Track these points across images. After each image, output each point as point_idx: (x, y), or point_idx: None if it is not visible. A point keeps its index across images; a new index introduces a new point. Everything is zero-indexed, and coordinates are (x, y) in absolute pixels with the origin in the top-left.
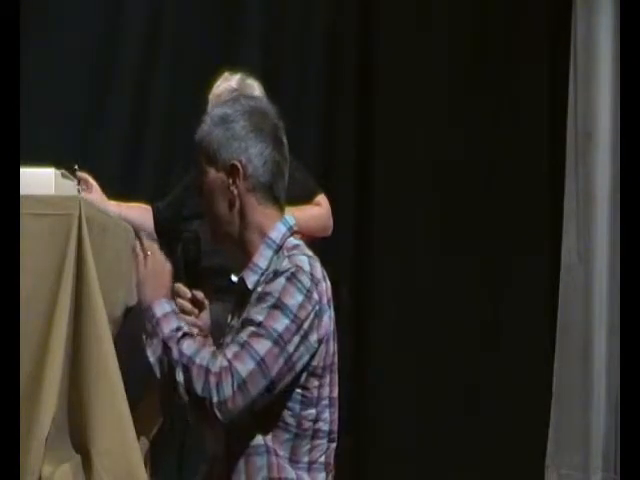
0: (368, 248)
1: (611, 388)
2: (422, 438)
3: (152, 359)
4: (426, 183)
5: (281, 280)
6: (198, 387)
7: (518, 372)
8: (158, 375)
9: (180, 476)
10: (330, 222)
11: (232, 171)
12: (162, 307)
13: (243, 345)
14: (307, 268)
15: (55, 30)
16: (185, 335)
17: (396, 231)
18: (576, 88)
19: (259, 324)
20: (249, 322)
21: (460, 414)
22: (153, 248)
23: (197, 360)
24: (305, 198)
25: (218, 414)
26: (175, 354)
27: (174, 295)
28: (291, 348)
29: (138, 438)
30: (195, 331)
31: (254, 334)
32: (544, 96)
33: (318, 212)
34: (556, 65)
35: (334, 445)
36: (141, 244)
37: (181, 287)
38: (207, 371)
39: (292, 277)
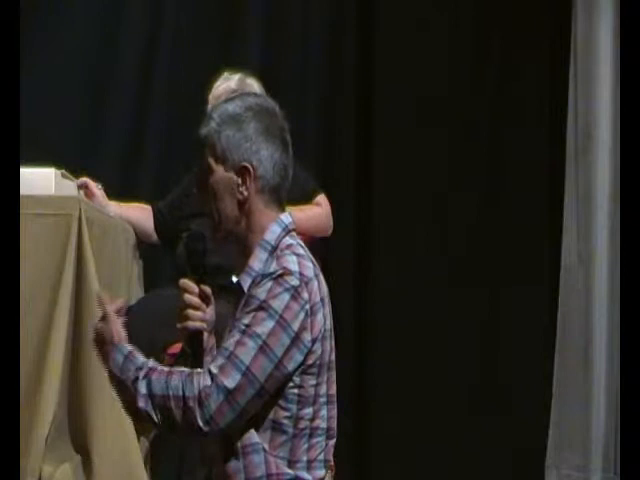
0: (368, 248)
1: (611, 388)
2: (422, 438)
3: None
4: (426, 183)
5: (267, 283)
6: (179, 418)
7: (518, 372)
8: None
9: (180, 477)
10: (330, 222)
11: (243, 172)
12: (116, 361)
13: (228, 357)
14: (295, 268)
15: (55, 30)
16: (146, 375)
17: (396, 231)
18: (576, 88)
19: (244, 330)
20: (235, 328)
21: (460, 414)
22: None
23: (170, 392)
24: (305, 198)
25: (206, 429)
26: (143, 402)
27: (181, 290)
28: (279, 351)
29: (138, 439)
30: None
31: (239, 343)
32: (544, 96)
33: (318, 212)
34: (556, 65)
35: (333, 442)
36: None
37: (188, 282)
38: (185, 398)
39: (278, 278)
